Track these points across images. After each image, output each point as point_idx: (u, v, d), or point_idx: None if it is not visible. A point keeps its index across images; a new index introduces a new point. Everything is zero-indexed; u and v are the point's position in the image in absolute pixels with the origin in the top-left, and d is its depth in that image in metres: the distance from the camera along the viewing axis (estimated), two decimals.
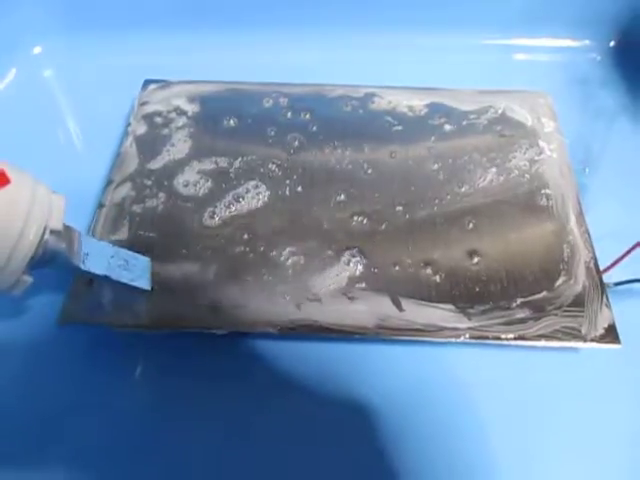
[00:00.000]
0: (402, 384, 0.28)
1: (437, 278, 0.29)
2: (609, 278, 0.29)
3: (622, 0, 0.42)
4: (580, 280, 0.29)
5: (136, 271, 0.28)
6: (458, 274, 0.29)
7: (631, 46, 0.44)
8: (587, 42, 0.45)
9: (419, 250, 0.30)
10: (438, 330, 0.27)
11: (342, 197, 0.32)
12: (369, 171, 0.33)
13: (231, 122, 0.35)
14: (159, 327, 0.27)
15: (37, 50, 0.43)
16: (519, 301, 0.28)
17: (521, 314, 0.27)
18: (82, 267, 0.25)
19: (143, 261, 0.29)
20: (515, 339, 0.27)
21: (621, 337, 0.27)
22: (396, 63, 0.41)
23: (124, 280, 0.27)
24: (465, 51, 0.43)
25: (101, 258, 0.26)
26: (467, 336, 0.27)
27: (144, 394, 0.28)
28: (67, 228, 0.24)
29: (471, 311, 0.28)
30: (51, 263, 0.23)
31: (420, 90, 0.37)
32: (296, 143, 0.34)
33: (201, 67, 0.39)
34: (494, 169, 0.33)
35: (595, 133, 0.39)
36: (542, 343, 0.27)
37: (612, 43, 0.44)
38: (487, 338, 0.27)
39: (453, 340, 0.27)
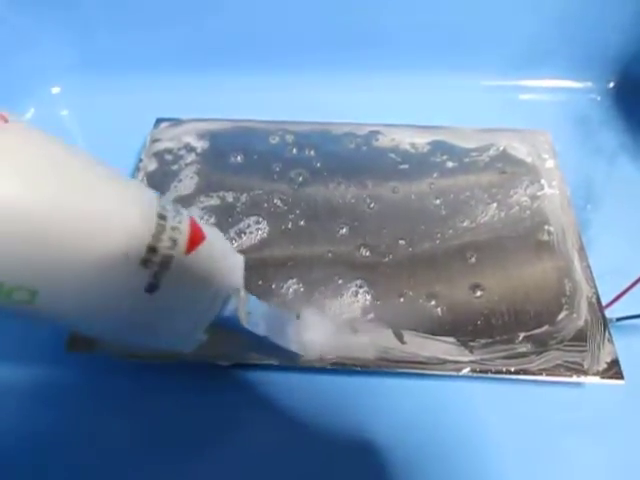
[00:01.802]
0: (403, 417, 0.28)
1: (439, 311, 0.29)
2: (611, 313, 0.29)
3: (621, 43, 0.44)
4: (582, 315, 0.29)
5: (290, 332, 0.26)
6: (460, 307, 0.29)
7: (630, 87, 0.45)
8: (588, 83, 0.46)
9: (421, 283, 0.30)
10: (440, 363, 0.27)
11: (345, 230, 0.32)
12: (372, 205, 0.34)
13: (238, 158, 0.36)
14: (163, 357, 0.28)
15: (55, 90, 0.45)
16: (521, 335, 0.28)
17: (523, 348, 0.27)
18: (246, 327, 0.22)
19: (293, 321, 0.27)
20: (517, 373, 0.27)
21: (624, 373, 0.26)
22: (400, 102, 0.42)
23: (280, 343, 0.25)
24: (467, 91, 0.45)
25: (259, 317, 0.24)
26: (469, 369, 0.27)
27: (146, 423, 0.28)
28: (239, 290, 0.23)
29: (473, 344, 0.28)
30: (223, 322, 0.22)
31: (423, 128, 0.38)
32: (300, 179, 0.35)
33: (211, 106, 0.40)
34: (495, 205, 0.34)
35: (596, 170, 0.39)
36: (544, 377, 0.27)
37: (611, 84, 0.45)
38: (489, 372, 0.27)
39: (455, 373, 0.27)
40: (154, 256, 0.17)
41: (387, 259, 0.31)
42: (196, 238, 0.19)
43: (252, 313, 0.23)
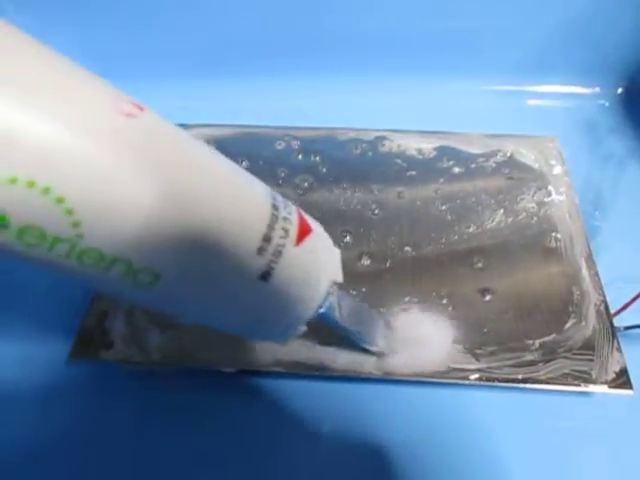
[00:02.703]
0: (409, 425, 0.28)
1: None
2: (620, 322, 0.29)
3: (630, 49, 0.43)
4: (590, 323, 0.28)
5: (375, 329, 0.27)
6: (468, 313, 0.29)
7: (638, 93, 0.44)
8: (596, 89, 0.45)
9: (427, 289, 0.30)
10: (446, 371, 0.27)
11: (350, 237, 0.32)
12: (377, 211, 0.34)
13: (243, 164, 0.36)
14: (169, 364, 0.28)
15: None
16: (528, 343, 0.28)
17: (530, 356, 0.27)
18: (339, 321, 0.23)
19: (377, 319, 0.28)
20: (524, 381, 0.26)
21: (633, 382, 0.26)
22: (406, 107, 0.42)
23: (367, 339, 0.25)
24: (474, 96, 0.44)
25: (349, 312, 0.24)
26: (475, 377, 0.27)
27: (151, 430, 0.28)
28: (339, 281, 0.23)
29: (479, 352, 0.27)
30: (319, 315, 0.22)
31: (429, 134, 0.38)
32: (306, 184, 0.35)
33: (216, 111, 0.40)
34: (502, 211, 0.33)
35: (604, 177, 0.39)
36: (552, 386, 0.26)
37: (620, 90, 0.45)
38: (496, 380, 0.27)
39: (461, 382, 0.27)
40: (268, 245, 0.18)
41: (392, 265, 0.31)
42: (304, 230, 0.20)
43: (344, 309, 0.23)
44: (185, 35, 0.43)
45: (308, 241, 0.20)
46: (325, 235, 0.22)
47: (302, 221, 0.20)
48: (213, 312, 0.19)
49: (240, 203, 0.18)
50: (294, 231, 0.19)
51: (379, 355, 0.27)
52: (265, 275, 0.18)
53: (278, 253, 0.18)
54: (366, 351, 0.27)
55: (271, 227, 0.18)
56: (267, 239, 0.18)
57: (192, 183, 0.16)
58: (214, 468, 0.27)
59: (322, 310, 0.22)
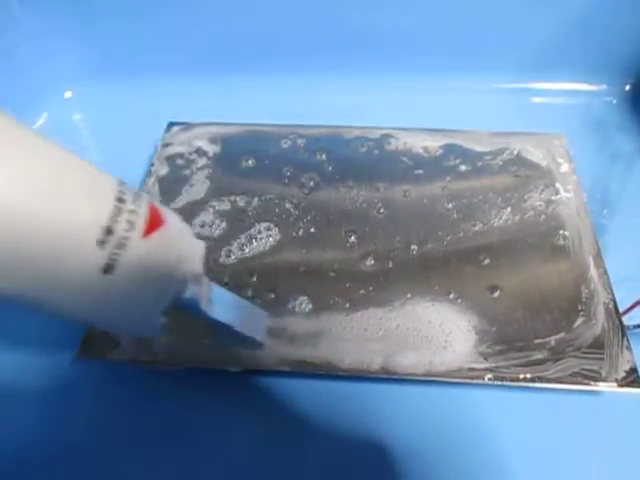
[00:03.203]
0: (417, 425, 0.27)
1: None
2: (629, 320, 0.28)
3: (637, 46, 0.43)
4: (599, 322, 0.28)
5: (255, 323, 0.27)
6: (476, 310, 0.29)
7: None
8: (603, 86, 0.45)
9: (434, 288, 0.30)
10: (455, 370, 0.27)
11: (355, 237, 0.32)
12: (383, 210, 0.33)
13: (249, 162, 0.36)
14: (174, 363, 0.28)
15: (68, 95, 0.45)
16: (537, 342, 0.27)
17: (539, 355, 0.27)
18: (209, 313, 0.23)
19: (261, 314, 0.28)
20: (533, 380, 0.26)
21: None
22: (413, 105, 0.42)
23: (245, 332, 0.26)
24: (481, 94, 0.44)
25: (225, 306, 0.25)
26: (485, 377, 0.26)
27: (157, 429, 0.28)
28: (200, 277, 0.23)
29: (488, 351, 0.27)
30: (183, 306, 0.23)
31: (436, 132, 0.38)
32: (312, 183, 0.35)
33: (223, 110, 0.40)
34: (509, 209, 0.33)
35: (612, 175, 0.39)
36: (561, 385, 0.26)
37: (628, 87, 0.45)
38: (505, 379, 0.26)
39: (469, 381, 0.26)
40: (110, 237, 0.18)
41: (398, 264, 0.31)
42: (155, 222, 0.20)
43: (216, 302, 0.24)
44: (192, 33, 0.43)
45: (159, 233, 0.20)
46: (185, 227, 0.22)
47: (153, 214, 0.20)
48: (64, 305, 0.19)
49: (77, 197, 0.18)
50: (142, 224, 0.19)
51: (257, 346, 0.27)
52: (108, 268, 0.18)
53: (122, 245, 0.18)
54: (245, 342, 0.27)
55: (113, 220, 0.18)
56: (109, 232, 0.18)
57: (33, 170, 0.17)
58: (220, 467, 0.27)
59: (187, 299, 0.22)
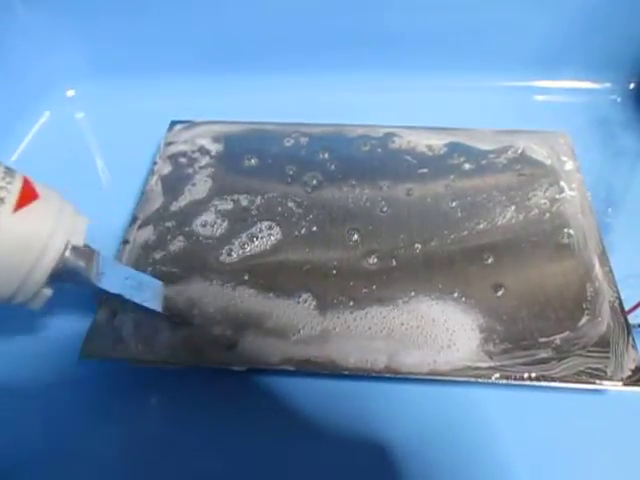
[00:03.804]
0: (420, 423, 0.27)
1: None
2: (635, 319, 0.28)
3: None
4: (604, 320, 0.28)
5: (149, 293, 0.28)
6: (479, 312, 0.28)
7: None
8: (607, 84, 0.45)
9: (438, 287, 0.29)
10: (459, 369, 0.26)
11: (358, 235, 0.32)
12: (386, 209, 0.33)
13: (252, 161, 0.36)
14: (179, 362, 0.27)
15: (70, 93, 0.45)
16: (542, 341, 0.27)
17: (544, 354, 0.27)
18: (98, 285, 0.25)
19: (156, 284, 0.29)
20: (538, 379, 0.26)
21: None
22: (416, 104, 0.42)
23: (136, 300, 0.27)
24: (485, 92, 0.44)
25: (117, 278, 0.27)
26: (491, 376, 0.26)
27: (161, 428, 0.28)
28: (87, 247, 0.25)
29: (493, 350, 0.27)
30: (70, 278, 0.24)
31: (440, 130, 0.38)
32: (314, 182, 0.35)
33: (226, 108, 0.40)
34: (513, 207, 0.33)
35: (617, 173, 0.38)
36: (566, 384, 0.26)
37: (632, 85, 0.45)
38: (510, 378, 0.26)
39: (474, 380, 0.26)
40: None
41: (402, 263, 0.31)
42: (27, 196, 0.21)
43: (107, 273, 0.25)
44: (195, 31, 0.43)
45: (32, 207, 0.21)
46: (66, 203, 0.24)
47: (26, 189, 0.21)
48: None
49: None
50: (13, 198, 0.21)
51: (153, 312, 0.28)
52: None
53: None
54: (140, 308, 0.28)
55: None
56: None
57: None
58: (223, 466, 0.27)
59: (69, 269, 0.23)
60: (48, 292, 0.24)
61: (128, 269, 0.29)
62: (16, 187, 0.21)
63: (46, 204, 0.22)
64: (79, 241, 0.24)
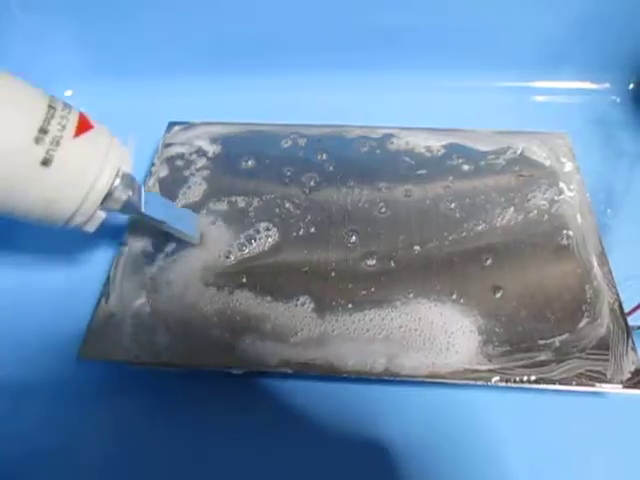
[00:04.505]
0: (420, 426, 0.27)
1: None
2: (634, 321, 0.28)
3: None
4: (604, 322, 0.28)
5: (187, 222, 0.31)
6: (479, 314, 0.28)
7: None
8: (606, 85, 0.45)
9: (437, 288, 0.29)
10: (459, 372, 0.26)
11: (356, 237, 0.32)
12: (384, 210, 0.33)
13: (249, 162, 0.36)
14: (177, 365, 0.27)
15: (68, 93, 0.45)
16: (541, 343, 0.27)
17: (543, 356, 0.27)
18: (144, 211, 0.28)
19: (193, 215, 0.32)
20: (538, 382, 0.26)
21: None
22: (415, 105, 0.42)
23: (179, 227, 0.30)
24: (484, 93, 0.44)
25: (159, 207, 0.29)
26: (491, 379, 0.26)
27: (159, 430, 0.28)
28: (132, 177, 0.27)
29: (492, 353, 0.27)
30: (119, 204, 0.27)
31: (438, 131, 0.38)
32: (312, 183, 0.35)
33: (224, 109, 0.40)
34: (512, 208, 0.33)
35: (616, 174, 0.38)
36: (566, 387, 0.26)
37: (631, 85, 0.44)
38: (509, 381, 0.26)
39: (473, 382, 0.26)
40: (45, 136, 0.23)
41: (401, 265, 0.30)
42: (84, 126, 0.25)
43: (150, 202, 0.28)
44: (193, 32, 0.42)
45: (88, 135, 0.25)
46: (111, 135, 0.26)
47: (82, 120, 0.25)
48: (8, 202, 0.23)
49: (14, 104, 0.22)
50: (72, 126, 0.24)
51: (191, 240, 0.31)
52: (46, 161, 0.23)
53: (56, 143, 0.23)
54: (181, 240, 0.31)
55: (47, 122, 0.23)
56: (43, 131, 0.23)
57: None
58: (221, 468, 0.27)
59: (119, 196, 0.26)
60: (102, 214, 0.27)
61: (167, 201, 0.32)
62: (74, 117, 0.24)
63: (100, 134, 0.26)
64: (128, 169, 0.27)
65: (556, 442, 0.27)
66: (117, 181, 0.26)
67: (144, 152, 0.39)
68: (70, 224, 0.26)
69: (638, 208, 0.36)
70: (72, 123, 0.24)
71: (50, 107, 0.23)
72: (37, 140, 0.23)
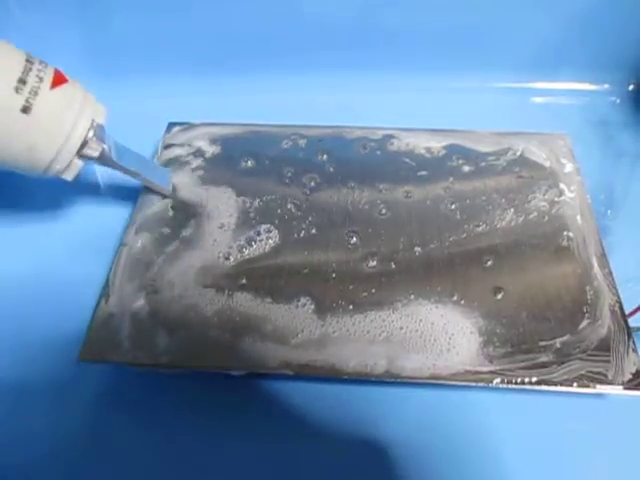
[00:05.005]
0: (421, 427, 0.27)
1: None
2: (635, 322, 0.28)
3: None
4: (605, 323, 0.28)
5: (159, 175, 0.33)
6: (479, 315, 0.28)
7: None
8: (606, 86, 0.45)
9: (437, 290, 0.29)
10: (460, 373, 0.26)
11: (356, 239, 0.32)
12: (385, 211, 0.33)
13: (249, 163, 0.36)
14: (177, 366, 0.27)
15: None
16: (542, 344, 0.27)
17: (544, 358, 0.27)
18: (118, 162, 0.30)
19: (164, 169, 0.35)
20: (539, 384, 0.26)
21: None
22: (415, 106, 0.42)
23: (151, 178, 0.32)
24: (484, 94, 0.44)
25: (132, 159, 0.32)
26: (492, 380, 0.26)
27: (159, 432, 0.28)
28: (105, 130, 0.29)
29: (493, 354, 0.27)
30: (94, 154, 0.29)
31: (438, 132, 0.38)
32: (313, 184, 0.35)
33: (223, 110, 0.40)
34: (513, 210, 0.33)
35: (616, 175, 0.38)
36: (567, 388, 0.26)
37: (631, 87, 0.45)
38: (510, 382, 0.26)
39: (474, 384, 0.26)
40: (24, 86, 0.25)
41: (401, 266, 0.30)
42: (59, 79, 0.27)
43: (124, 155, 0.31)
44: (192, 33, 0.42)
45: (64, 88, 0.27)
46: (84, 90, 0.29)
47: (57, 74, 0.27)
48: None
49: None
50: (49, 78, 0.26)
51: (163, 191, 0.33)
52: (25, 109, 0.25)
53: (34, 93, 0.26)
54: (154, 192, 0.33)
55: (25, 73, 0.25)
56: (22, 81, 0.25)
57: None
58: (221, 469, 0.27)
59: (96, 146, 0.28)
60: (80, 163, 0.29)
61: (139, 154, 0.33)
62: (50, 71, 0.27)
63: (74, 88, 0.28)
64: (101, 120, 0.29)
65: (557, 444, 0.27)
66: (91, 132, 0.28)
67: (144, 152, 0.39)
68: (50, 171, 0.28)
69: (638, 209, 0.36)
70: (48, 76, 0.26)
71: (28, 61, 0.26)
72: (17, 89, 0.25)
